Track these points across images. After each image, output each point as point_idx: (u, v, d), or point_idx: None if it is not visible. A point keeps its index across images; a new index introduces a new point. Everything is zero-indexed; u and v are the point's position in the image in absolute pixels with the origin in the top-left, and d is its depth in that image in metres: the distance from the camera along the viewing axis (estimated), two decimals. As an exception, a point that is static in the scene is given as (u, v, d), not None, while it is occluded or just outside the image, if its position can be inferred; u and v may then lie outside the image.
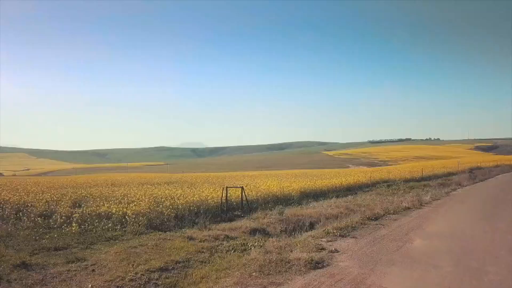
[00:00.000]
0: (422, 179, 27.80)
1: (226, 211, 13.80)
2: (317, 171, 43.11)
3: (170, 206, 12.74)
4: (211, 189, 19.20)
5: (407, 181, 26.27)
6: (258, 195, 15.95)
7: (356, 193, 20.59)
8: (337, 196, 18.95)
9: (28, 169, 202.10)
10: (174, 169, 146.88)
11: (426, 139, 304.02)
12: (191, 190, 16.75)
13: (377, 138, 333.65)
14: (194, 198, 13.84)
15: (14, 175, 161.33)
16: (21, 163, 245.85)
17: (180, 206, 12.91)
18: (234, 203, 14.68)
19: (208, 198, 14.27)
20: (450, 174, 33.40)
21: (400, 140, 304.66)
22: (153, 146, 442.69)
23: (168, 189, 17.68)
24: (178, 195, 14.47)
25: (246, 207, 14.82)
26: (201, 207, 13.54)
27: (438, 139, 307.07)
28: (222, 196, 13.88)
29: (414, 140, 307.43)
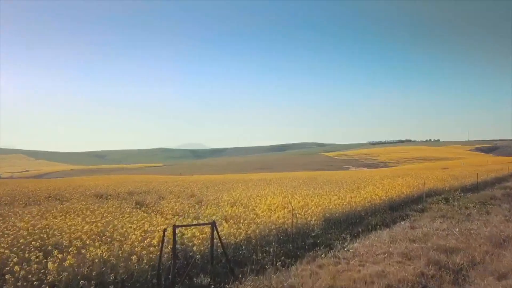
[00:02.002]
0: (477, 187, 19.95)
1: (173, 279, 5.91)
2: (328, 174, 35.13)
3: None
4: (178, 207, 11.37)
5: (459, 190, 18.34)
6: (251, 231, 8.03)
7: (407, 215, 12.69)
8: (385, 224, 11.08)
9: (26, 171, 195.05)
10: (173, 170, 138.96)
11: (426, 140, 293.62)
12: (129, 219, 8.89)
13: (377, 139, 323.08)
14: (102, 252, 5.92)
15: (12, 176, 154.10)
16: (20, 164, 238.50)
17: (54, 278, 5.05)
18: (198, 255, 6.79)
19: (140, 245, 6.37)
20: (500, 180, 25.63)
21: (400, 141, 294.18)
22: (153, 147, 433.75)
23: (91, 218, 9.79)
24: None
25: (224, 260, 6.94)
26: (118, 272, 5.68)
27: (438, 140, 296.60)
28: (162, 245, 5.98)
29: (414, 141, 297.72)
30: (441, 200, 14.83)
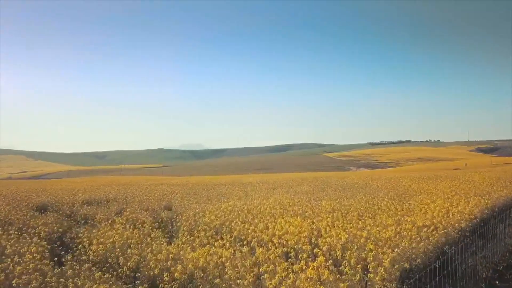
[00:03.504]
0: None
1: None
2: (337, 175, 29.79)
3: None
4: (119, 238, 6.10)
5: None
6: None
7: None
8: (497, 270, 5.77)
9: (24, 172, 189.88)
10: (172, 171, 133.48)
11: (426, 141, 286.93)
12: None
13: (377, 140, 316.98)
14: None
15: (10, 177, 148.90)
16: (19, 165, 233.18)
17: None
18: None
19: None
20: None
21: (400, 142, 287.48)
22: (152, 148, 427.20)
23: None
24: None
25: None
26: None
27: (438, 140, 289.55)
28: None
29: (414, 141, 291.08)
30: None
